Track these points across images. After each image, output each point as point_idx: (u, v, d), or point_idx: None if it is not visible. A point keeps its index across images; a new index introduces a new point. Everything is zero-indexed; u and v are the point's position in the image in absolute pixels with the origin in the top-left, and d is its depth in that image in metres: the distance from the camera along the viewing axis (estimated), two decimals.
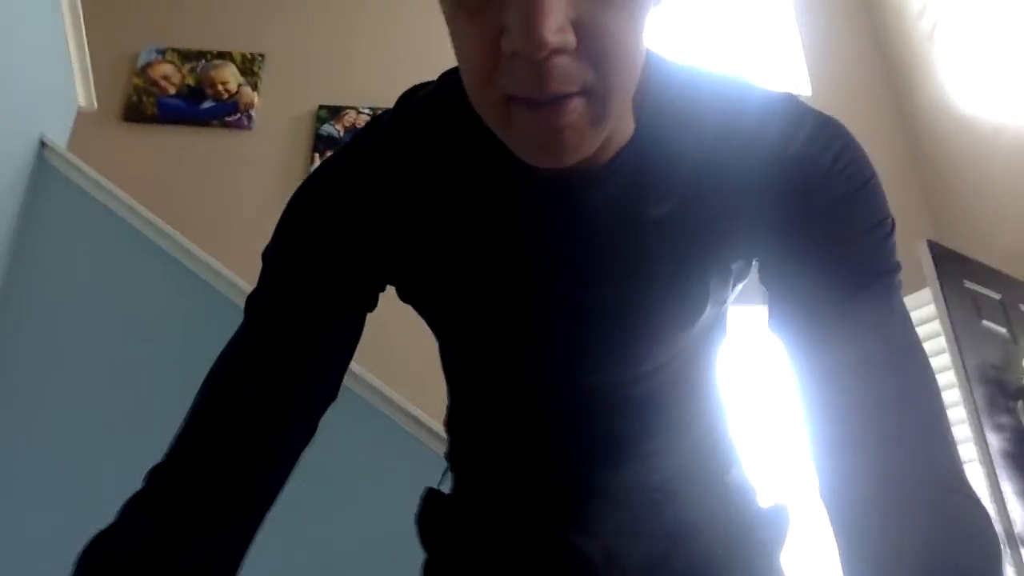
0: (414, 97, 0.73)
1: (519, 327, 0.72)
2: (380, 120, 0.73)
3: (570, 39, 0.49)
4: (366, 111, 3.60)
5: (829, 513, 0.60)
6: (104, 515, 0.65)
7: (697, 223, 0.67)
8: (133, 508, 0.65)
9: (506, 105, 0.54)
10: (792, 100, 0.66)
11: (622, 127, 0.64)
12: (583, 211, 0.66)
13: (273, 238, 0.73)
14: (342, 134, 3.57)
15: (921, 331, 0.66)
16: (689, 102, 0.66)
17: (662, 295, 0.69)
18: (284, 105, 3.68)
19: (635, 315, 0.70)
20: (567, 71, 0.50)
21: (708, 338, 0.80)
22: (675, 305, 0.70)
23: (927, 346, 0.66)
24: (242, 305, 0.72)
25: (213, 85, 3.69)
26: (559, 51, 0.49)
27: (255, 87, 3.70)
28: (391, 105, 0.74)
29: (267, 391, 0.68)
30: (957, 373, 2.43)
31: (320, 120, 3.62)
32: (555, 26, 0.48)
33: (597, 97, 0.53)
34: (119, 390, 2.05)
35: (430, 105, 0.71)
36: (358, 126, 3.50)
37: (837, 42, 4.10)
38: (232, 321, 0.72)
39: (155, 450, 0.70)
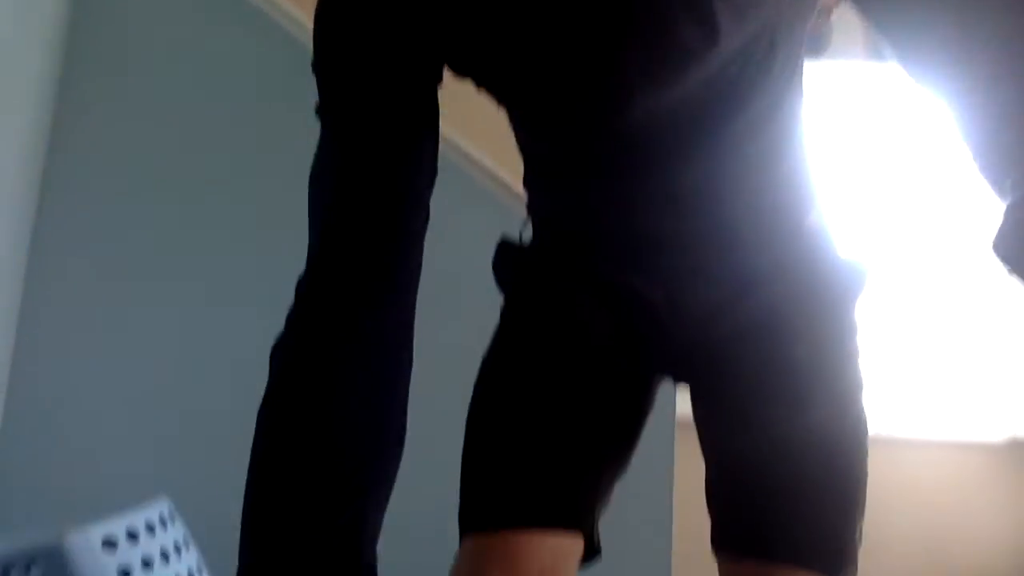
0: None
1: (556, 61, 0.72)
2: None
3: None
4: None
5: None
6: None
7: None
8: (296, 314, 0.76)
9: None
10: None
11: None
12: None
13: (315, 48, 0.75)
14: None
15: None
16: None
17: None
18: None
19: (650, 19, 0.68)
20: None
21: (776, 77, 0.76)
22: None
23: None
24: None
25: None
26: None
27: None
28: None
29: (375, 187, 0.75)
30: None
31: None
32: None
33: None
34: (188, 111, 2.04)
35: None
36: None
37: None
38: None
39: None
